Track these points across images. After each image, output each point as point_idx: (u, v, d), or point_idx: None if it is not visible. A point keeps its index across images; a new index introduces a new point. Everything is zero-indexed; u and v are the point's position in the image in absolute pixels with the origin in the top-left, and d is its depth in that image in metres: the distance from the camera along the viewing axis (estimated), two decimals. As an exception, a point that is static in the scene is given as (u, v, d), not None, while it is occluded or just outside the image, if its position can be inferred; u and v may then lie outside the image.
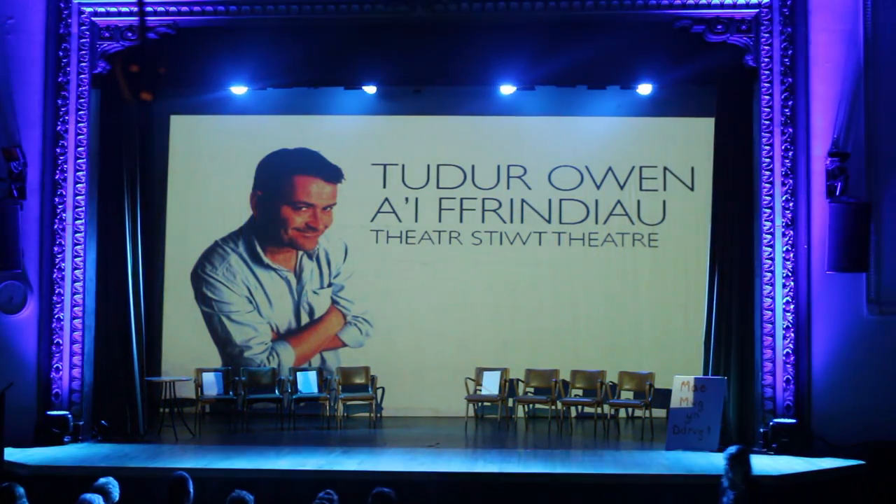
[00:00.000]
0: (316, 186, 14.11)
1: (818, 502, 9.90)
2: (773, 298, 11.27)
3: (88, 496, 6.22)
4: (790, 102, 11.32)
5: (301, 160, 14.15)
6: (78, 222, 11.78)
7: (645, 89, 12.40)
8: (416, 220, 14.07)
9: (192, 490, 6.63)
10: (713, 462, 10.36)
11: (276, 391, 13.03)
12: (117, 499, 6.71)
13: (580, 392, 13.05)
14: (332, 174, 14.11)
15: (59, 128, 11.73)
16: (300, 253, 14.12)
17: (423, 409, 13.64)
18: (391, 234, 14.08)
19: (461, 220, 14.01)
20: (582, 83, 12.36)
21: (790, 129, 11.32)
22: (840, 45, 11.26)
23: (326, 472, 9.75)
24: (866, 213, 11.06)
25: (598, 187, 13.86)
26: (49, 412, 11.42)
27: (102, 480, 6.76)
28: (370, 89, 12.66)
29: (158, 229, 13.81)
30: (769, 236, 11.33)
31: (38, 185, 11.67)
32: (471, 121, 13.97)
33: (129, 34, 11.75)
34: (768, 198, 11.36)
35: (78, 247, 11.77)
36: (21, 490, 6.39)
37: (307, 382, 12.91)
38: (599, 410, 12.70)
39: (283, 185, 14.14)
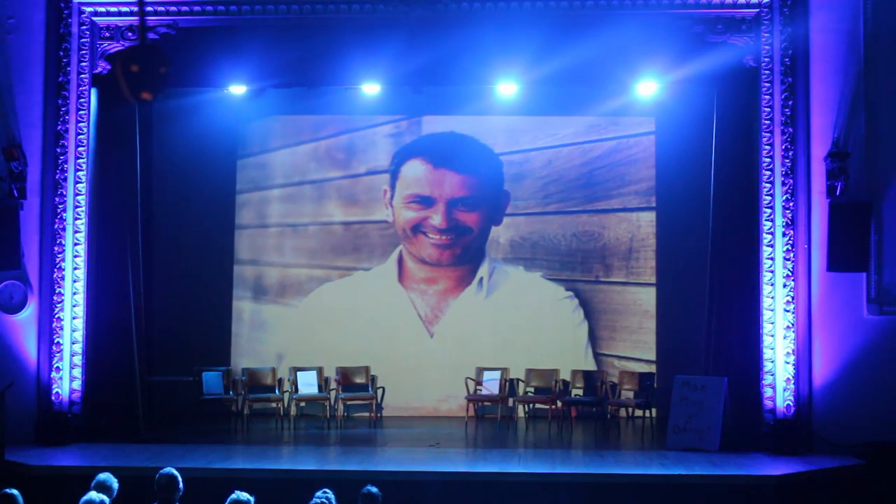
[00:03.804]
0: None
1: (818, 502, 9.90)
2: (773, 298, 11.28)
3: (93, 496, 6.21)
4: (790, 102, 11.34)
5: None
6: (78, 222, 11.78)
7: (645, 89, 12.39)
8: (417, 220, 14.05)
9: (181, 486, 6.64)
10: (713, 462, 10.37)
11: (276, 391, 13.03)
12: (115, 495, 6.72)
13: (580, 392, 13.05)
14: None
15: (59, 127, 11.74)
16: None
17: (423, 409, 13.63)
18: (391, 234, 14.07)
19: (461, 220, 13.99)
20: (582, 82, 12.34)
21: (790, 129, 11.33)
22: (840, 45, 11.26)
23: (326, 472, 9.77)
24: (866, 213, 11.07)
25: (598, 186, 13.85)
26: (49, 412, 11.42)
27: (102, 477, 6.76)
28: (370, 89, 12.64)
29: (158, 228, 13.78)
30: (769, 236, 11.35)
31: (39, 185, 11.68)
32: (471, 120, 13.96)
33: (130, 34, 11.77)
34: (768, 198, 11.37)
35: (78, 247, 11.78)
36: (20, 498, 6.37)
37: (307, 382, 12.90)
38: (599, 410, 12.70)
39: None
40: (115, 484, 6.76)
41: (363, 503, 6.61)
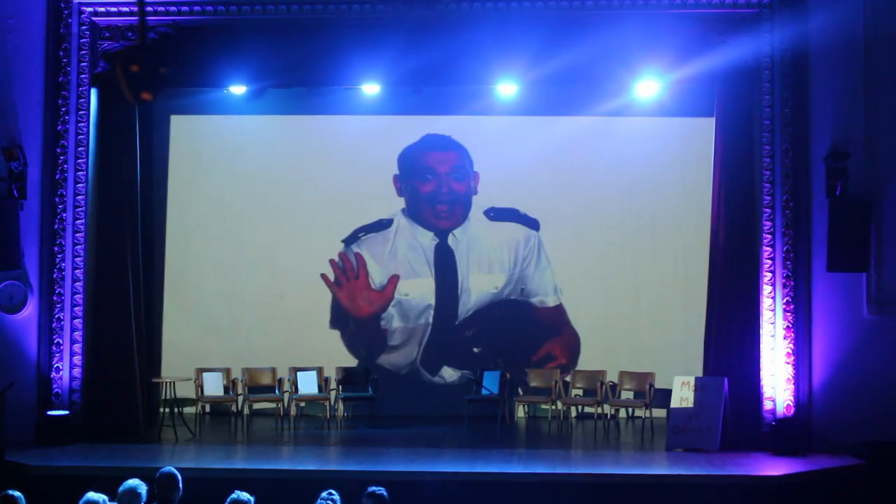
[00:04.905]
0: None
1: (818, 502, 9.90)
2: (773, 298, 11.29)
3: (92, 496, 6.20)
4: (790, 102, 11.34)
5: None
6: (78, 222, 11.79)
7: (645, 89, 12.38)
8: (418, 219, 14.06)
9: (181, 486, 6.60)
10: (713, 462, 10.37)
11: (276, 391, 13.03)
12: (145, 500, 6.59)
13: (580, 392, 13.05)
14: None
15: (59, 128, 11.74)
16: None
17: (423, 409, 13.61)
18: (393, 233, 14.08)
19: (462, 220, 14.00)
20: (582, 83, 12.35)
21: (790, 129, 11.34)
22: (840, 45, 11.25)
23: (326, 472, 9.78)
24: (866, 213, 11.07)
25: (598, 187, 13.84)
26: (49, 412, 11.41)
27: (132, 483, 6.56)
28: (370, 89, 12.64)
29: (158, 229, 13.81)
30: (769, 236, 11.35)
31: (38, 185, 11.68)
32: (471, 120, 13.95)
33: (130, 34, 11.76)
34: (768, 198, 11.38)
35: (78, 247, 11.78)
36: (22, 501, 6.35)
37: (307, 382, 12.90)
38: (599, 410, 12.70)
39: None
40: (143, 490, 6.57)
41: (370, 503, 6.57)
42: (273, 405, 13.01)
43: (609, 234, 13.84)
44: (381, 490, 6.57)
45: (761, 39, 11.39)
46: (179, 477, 6.59)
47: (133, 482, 6.53)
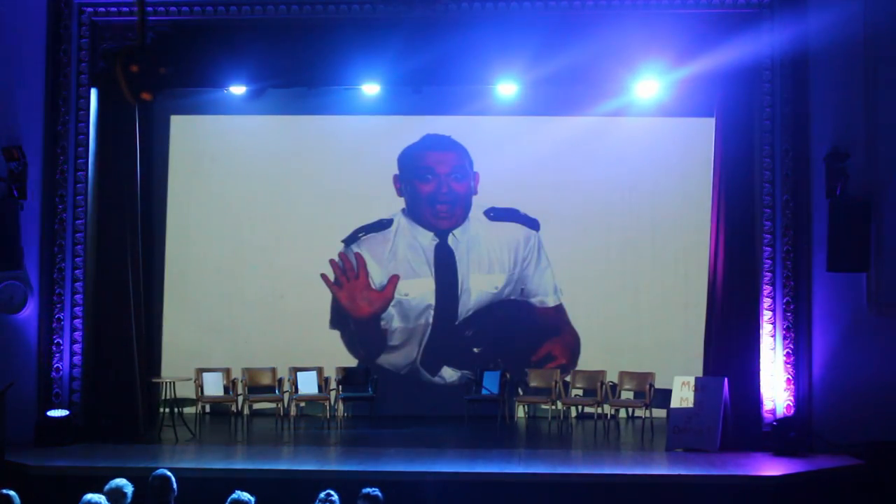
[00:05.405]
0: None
1: (818, 502, 9.90)
2: (773, 298, 11.30)
3: (92, 497, 6.20)
4: (790, 102, 11.34)
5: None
6: (78, 222, 11.80)
7: (645, 89, 12.38)
8: (418, 219, 14.06)
9: (175, 486, 6.60)
10: (713, 462, 10.38)
11: (276, 391, 13.03)
12: (130, 500, 6.61)
13: (580, 392, 13.05)
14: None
15: (59, 128, 11.76)
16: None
17: (423, 409, 13.62)
18: (393, 233, 14.08)
19: (462, 220, 14.00)
20: (582, 82, 12.34)
21: (790, 129, 11.34)
22: (840, 45, 11.24)
23: (326, 472, 9.78)
24: (866, 212, 11.08)
25: (598, 187, 13.83)
26: (49, 412, 11.41)
27: (118, 482, 6.63)
28: (370, 89, 12.65)
29: (158, 229, 13.82)
30: (769, 236, 11.36)
31: (38, 185, 11.68)
32: (471, 120, 13.95)
33: (129, 34, 11.76)
34: (768, 198, 11.40)
35: (78, 247, 11.80)
36: (16, 500, 6.35)
37: (307, 382, 12.90)
38: (599, 410, 12.70)
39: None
40: (129, 491, 6.60)
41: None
42: (273, 405, 13.01)
43: (609, 234, 13.83)
44: (376, 491, 6.57)
45: (761, 39, 11.39)
46: (173, 478, 6.58)
47: (119, 481, 6.56)
